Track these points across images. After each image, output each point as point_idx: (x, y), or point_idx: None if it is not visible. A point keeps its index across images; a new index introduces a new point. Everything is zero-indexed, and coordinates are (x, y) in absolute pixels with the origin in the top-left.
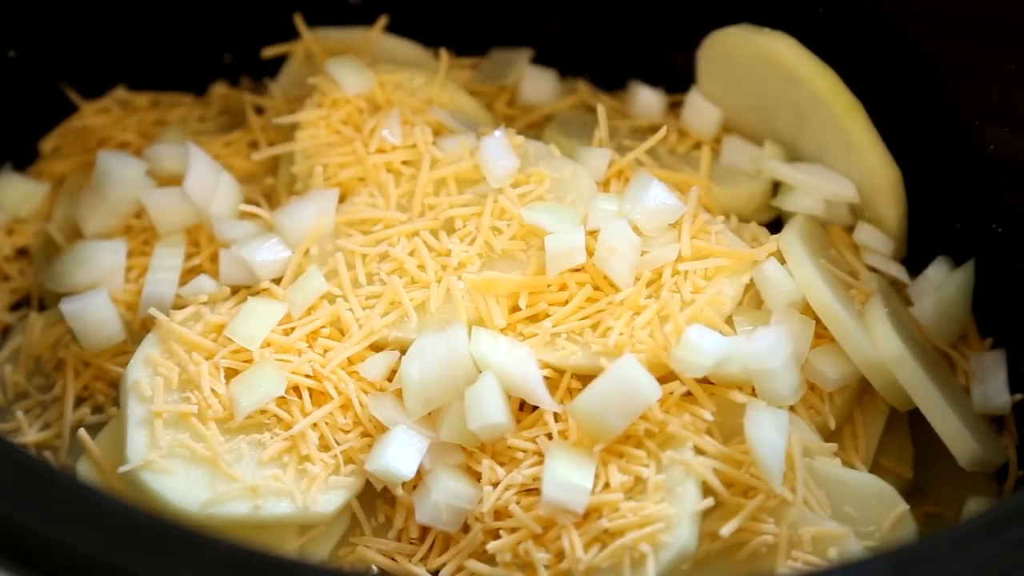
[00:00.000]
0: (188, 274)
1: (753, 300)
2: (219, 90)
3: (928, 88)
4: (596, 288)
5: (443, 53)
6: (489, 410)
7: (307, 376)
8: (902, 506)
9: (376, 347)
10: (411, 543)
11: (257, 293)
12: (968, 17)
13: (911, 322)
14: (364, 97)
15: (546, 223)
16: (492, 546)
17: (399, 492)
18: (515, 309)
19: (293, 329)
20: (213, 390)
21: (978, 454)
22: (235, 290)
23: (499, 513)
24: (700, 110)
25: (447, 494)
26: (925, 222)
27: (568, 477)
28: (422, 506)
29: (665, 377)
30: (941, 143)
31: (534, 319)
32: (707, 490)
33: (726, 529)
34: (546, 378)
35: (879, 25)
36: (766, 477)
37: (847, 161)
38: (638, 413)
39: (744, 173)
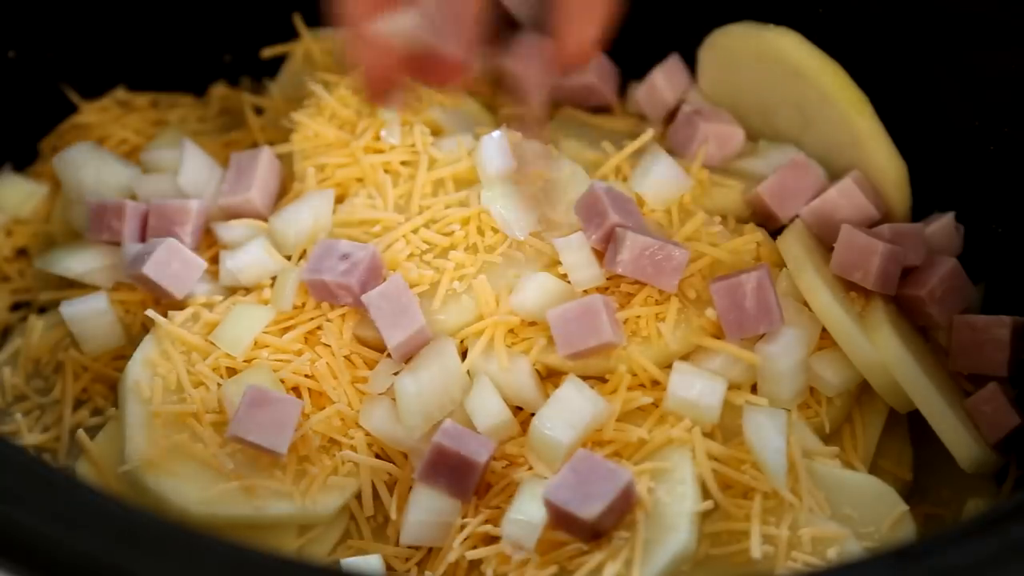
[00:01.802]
0: None
1: None
2: (219, 90)
3: (928, 88)
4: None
5: None
6: (492, 412)
7: (306, 376)
8: (901, 507)
9: (373, 346)
10: (409, 546)
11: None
12: (968, 16)
13: (912, 323)
14: (362, 99)
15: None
16: (472, 553)
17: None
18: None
19: (293, 327)
20: (211, 390)
21: (978, 456)
22: (234, 291)
23: (490, 521)
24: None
25: (428, 511)
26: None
27: (524, 514)
28: (405, 527)
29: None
30: (941, 143)
31: (533, 320)
32: (707, 491)
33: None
34: (548, 379)
35: (879, 25)
36: (770, 479)
37: (854, 156)
38: (585, 427)
39: (740, 174)
